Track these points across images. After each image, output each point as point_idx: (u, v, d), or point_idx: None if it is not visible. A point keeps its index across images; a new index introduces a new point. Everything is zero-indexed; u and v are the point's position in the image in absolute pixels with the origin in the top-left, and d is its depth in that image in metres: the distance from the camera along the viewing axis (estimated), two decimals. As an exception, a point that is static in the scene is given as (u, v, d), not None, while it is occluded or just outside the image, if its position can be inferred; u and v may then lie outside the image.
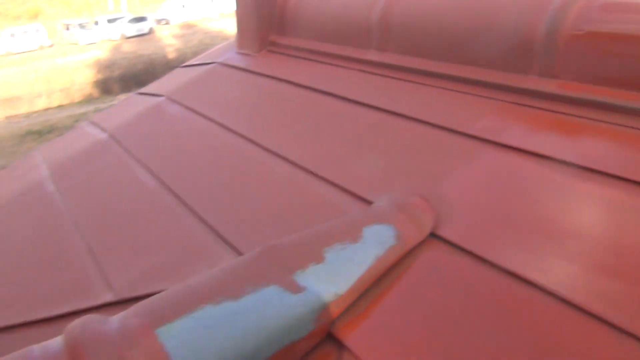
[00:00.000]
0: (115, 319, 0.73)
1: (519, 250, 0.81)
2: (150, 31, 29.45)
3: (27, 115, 12.67)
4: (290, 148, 1.30)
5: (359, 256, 0.84)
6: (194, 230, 1.16)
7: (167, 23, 32.17)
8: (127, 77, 18.83)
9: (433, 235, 0.90)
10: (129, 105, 2.16)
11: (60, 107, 13.47)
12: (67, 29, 26.79)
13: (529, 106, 1.08)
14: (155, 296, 0.78)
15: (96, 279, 1.15)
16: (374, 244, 0.86)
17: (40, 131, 11.26)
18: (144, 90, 2.31)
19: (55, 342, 0.70)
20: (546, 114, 1.05)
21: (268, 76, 1.76)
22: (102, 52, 22.16)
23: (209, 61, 2.16)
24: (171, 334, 0.71)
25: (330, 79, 1.56)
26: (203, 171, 1.38)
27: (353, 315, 0.81)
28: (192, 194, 1.29)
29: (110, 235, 1.29)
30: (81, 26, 26.77)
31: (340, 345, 0.78)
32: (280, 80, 1.70)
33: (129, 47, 23.13)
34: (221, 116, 1.62)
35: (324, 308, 0.78)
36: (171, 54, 21.55)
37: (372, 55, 1.51)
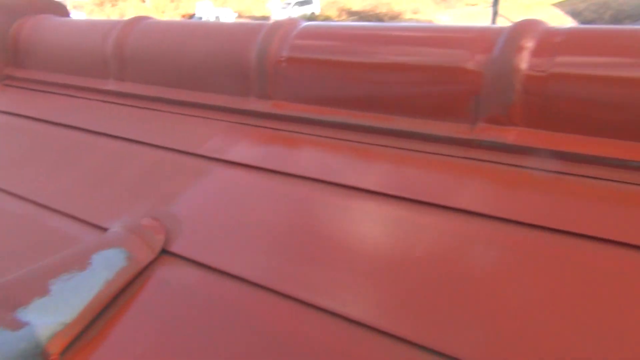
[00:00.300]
0: None
1: (245, 256, 0.91)
2: None
3: None
4: (26, 185, 1.25)
5: (87, 282, 0.86)
6: None
7: None
8: None
9: (165, 252, 0.95)
10: None
11: None
12: None
13: (251, 125, 1.21)
14: None
15: None
16: (103, 269, 0.88)
17: None
18: None
19: None
20: (265, 131, 1.19)
21: (3, 112, 1.65)
22: None
23: None
24: None
25: (70, 111, 1.53)
26: None
27: (85, 341, 0.82)
28: None
29: None
30: None
31: (72, 373, 0.79)
32: (17, 115, 1.61)
33: None
34: (-54, 159, 1.47)
35: (49, 340, 0.78)
36: None
37: (111, 85, 1.52)
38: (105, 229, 1.04)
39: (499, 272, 0.77)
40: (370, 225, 0.91)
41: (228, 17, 33.55)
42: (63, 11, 2.02)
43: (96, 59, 1.59)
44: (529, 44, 0.88)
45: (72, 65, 1.67)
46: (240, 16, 37.72)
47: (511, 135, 0.91)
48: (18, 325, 0.77)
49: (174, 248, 0.95)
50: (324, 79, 1.13)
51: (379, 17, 37.94)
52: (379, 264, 0.83)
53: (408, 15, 38.42)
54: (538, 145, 0.89)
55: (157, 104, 1.42)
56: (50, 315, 0.80)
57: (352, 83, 1.09)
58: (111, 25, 1.61)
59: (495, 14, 17.52)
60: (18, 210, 1.17)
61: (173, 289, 0.89)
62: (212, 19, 31.81)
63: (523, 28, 0.90)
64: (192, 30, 1.44)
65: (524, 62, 0.88)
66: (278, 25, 1.23)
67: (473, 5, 39.29)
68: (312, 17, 36.44)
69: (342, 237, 0.90)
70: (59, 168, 1.30)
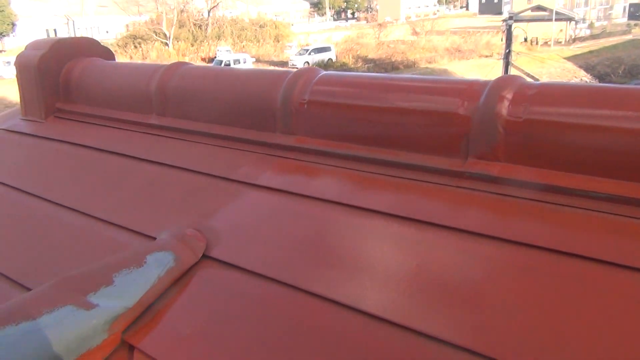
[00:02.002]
0: None
1: (272, 260, 1.10)
2: None
3: None
4: (79, 201, 1.46)
5: (144, 277, 1.05)
6: (-14, 282, 1.24)
7: None
8: None
9: (205, 256, 1.15)
10: None
11: None
12: None
13: (277, 156, 1.42)
14: (-42, 325, 0.89)
15: None
16: (156, 267, 1.08)
17: None
18: None
19: None
20: (289, 162, 1.39)
21: (56, 140, 1.88)
22: None
23: (-9, 128, 2.17)
24: (-24, 352, 0.83)
25: (116, 141, 1.75)
26: (-8, 229, 1.45)
27: (142, 323, 1.01)
28: (-18, 251, 1.36)
29: None
30: None
31: (132, 348, 0.97)
32: (69, 143, 1.84)
33: None
34: (10, 179, 1.69)
35: (115, 319, 0.97)
36: None
37: (153, 120, 1.74)
38: (152, 238, 1.24)
39: (490, 279, 0.95)
40: (376, 238, 1.10)
41: (246, 61, 34.53)
42: (110, 55, 2.27)
43: (140, 97, 1.82)
44: (508, 95, 1.08)
45: (118, 101, 1.90)
46: (258, 61, 38.78)
47: (496, 168, 1.11)
48: (90, 306, 0.96)
49: (213, 253, 1.14)
50: (339, 119, 1.34)
51: (394, 66, 38.81)
52: (385, 269, 1.01)
53: (423, 65, 39.24)
54: (518, 177, 1.08)
55: (194, 136, 1.63)
56: (115, 301, 0.99)
57: (363, 123, 1.30)
58: (154, 68, 1.85)
59: (507, 64, 17.95)
60: (76, 221, 1.38)
61: (212, 286, 1.07)
62: (231, 62, 32.75)
63: (504, 82, 1.11)
64: (226, 75, 1.67)
65: (504, 109, 1.08)
66: (300, 73, 1.45)
67: (486, 56, 40.10)
68: (329, 64, 37.27)
69: (354, 247, 1.09)
70: (108, 188, 1.51)
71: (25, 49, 2.16)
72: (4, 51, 44.27)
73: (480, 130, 1.11)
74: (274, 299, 1.02)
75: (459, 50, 42.44)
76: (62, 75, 2.10)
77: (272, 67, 36.50)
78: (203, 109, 1.65)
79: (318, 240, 1.14)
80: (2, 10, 44.13)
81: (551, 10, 49.93)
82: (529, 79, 1.17)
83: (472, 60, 40.28)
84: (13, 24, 45.56)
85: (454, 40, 46.09)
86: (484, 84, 1.14)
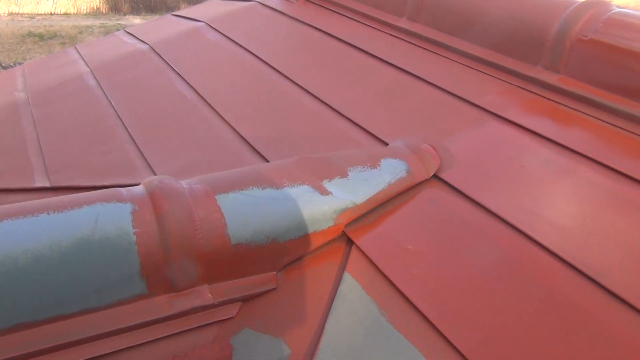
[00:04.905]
0: (184, 182, 0.93)
1: (504, 198, 1.02)
2: (167, -43, 29.25)
3: (31, 17, 12.43)
4: (319, 88, 1.49)
5: (375, 179, 1.05)
6: (228, 139, 1.35)
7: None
8: (137, -1, 18.33)
9: (436, 177, 1.10)
10: (166, 24, 2.31)
11: (65, 14, 13.20)
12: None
13: (531, 92, 1.28)
14: (213, 173, 0.98)
15: (139, 164, 1.33)
16: (388, 173, 1.07)
17: (42, 35, 11.04)
18: (179, 13, 2.45)
19: (138, 188, 0.89)
20: (544, 101, 1.25)
21: (304, 23, 1.93)
22: (115, -32, 21.54)
23: (248, -1, 2.31)
24: (226, 201, 0.91)
25: (362, 36, 1.73)
26: (239, 93, 1.56)
27: (363, 223, 1.02)
28: (228, 110, 1.47)
29: (151, 131, 1.47)
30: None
31: (350, 242, 0.99)
32: (315, 28, 1.87)
33: (142, -31, 22.52)
34: (258, 50, 1.79)
35: (343, 211, 0.99)
36: (185, -14, 21.04)
37: (404, 23, 1.69)
38: (384, 143, 1.22)
39: None
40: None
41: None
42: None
43: (395, -3, 1.76)
44: None
45: (370, -3, 1.87)
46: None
47: None
48: (324, 191, 0.99)
49: (445, 176, 1.09)
50: (622, 68, 1.16)
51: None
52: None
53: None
54: None
55: (441, 49, 1.55)
56: (346, 193, 1.00)
57: (655, 79, 1.10)
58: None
59: None
60: (314, 107, 1.41)
61: (438, 208, 1.04)
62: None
63: None
64: (495, -9, 1.53)
65: None
66: (589, 4, 1.26)
67: None
68: None
69: (592, 210, 0.96)
70: (347, 81, 1.51)
71: None
72: None
73: None
74: (497, 236, 0.96)
75: None
76: (321, -41, 2.11)
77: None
78: (459, 23, 1.54)
79: (554, 193, 1.03)
80: None
81: None
82: None
83: None
84: None
85: None
86: None
